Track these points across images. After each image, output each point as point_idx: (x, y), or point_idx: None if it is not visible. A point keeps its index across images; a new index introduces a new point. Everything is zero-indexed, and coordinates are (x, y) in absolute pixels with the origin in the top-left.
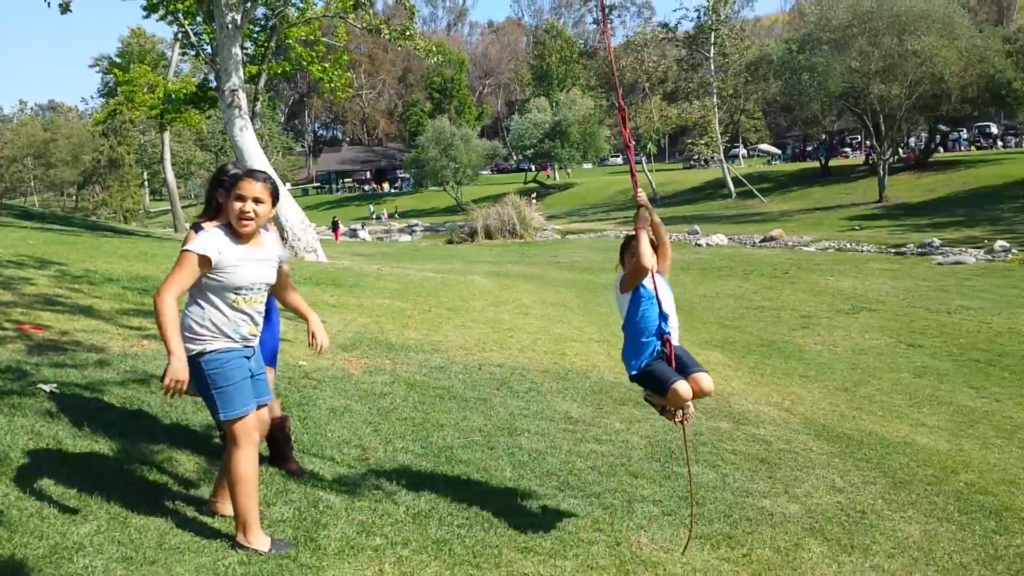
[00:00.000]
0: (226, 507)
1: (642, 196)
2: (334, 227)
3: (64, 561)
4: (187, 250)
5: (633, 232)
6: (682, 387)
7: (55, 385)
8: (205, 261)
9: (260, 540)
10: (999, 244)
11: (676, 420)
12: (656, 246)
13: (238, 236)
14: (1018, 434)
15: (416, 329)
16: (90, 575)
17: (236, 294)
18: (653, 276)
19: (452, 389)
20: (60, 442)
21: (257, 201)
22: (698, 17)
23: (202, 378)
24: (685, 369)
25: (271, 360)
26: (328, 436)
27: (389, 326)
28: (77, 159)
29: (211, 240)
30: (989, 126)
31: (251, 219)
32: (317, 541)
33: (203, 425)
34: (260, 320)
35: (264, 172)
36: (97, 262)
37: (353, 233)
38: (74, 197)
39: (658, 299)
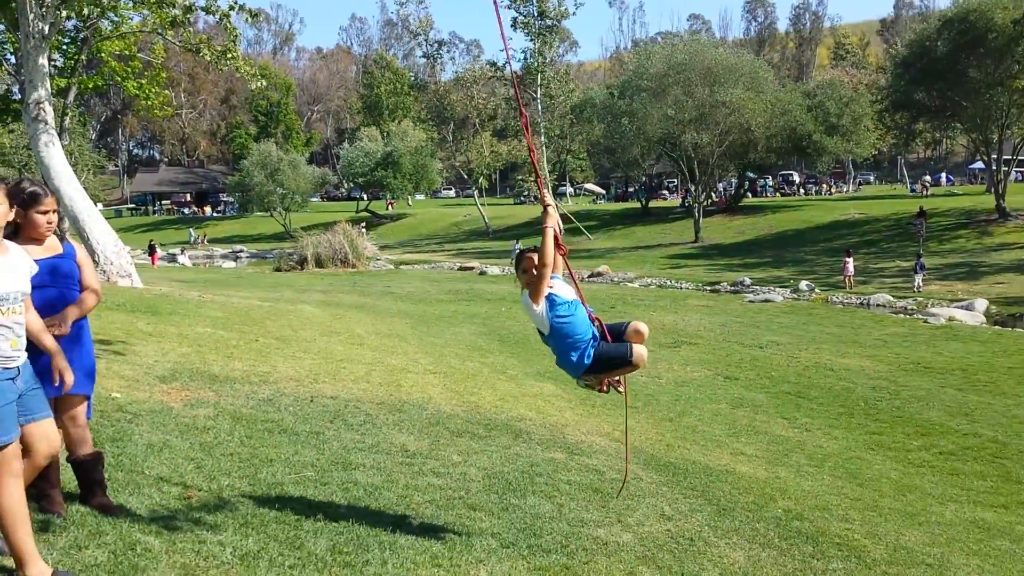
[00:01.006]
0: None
1: (548, 196)
2: (151, 251)
3: None
4: None
5: (528, 247)
6: (640, 348)
7: None
8: None
9: (40, 572)
10: (803, 284)
11: (618, 388)
12: (556, 245)
13: None
14: (828, 462)
15: (242, 360)
16: None
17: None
18: (570, 269)
19: (282, 422)
20: None
21: None
22: (525, 58)
23: None
24: (618, 331)
25: (86, 386)
26: (146, 473)
27: (212, 356)
28: None
29: None
30: (792, 174)
31: None
32: None
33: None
34: (22, 333)
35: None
36: None
37: (172, 258)
38: None
39: (580, 295)
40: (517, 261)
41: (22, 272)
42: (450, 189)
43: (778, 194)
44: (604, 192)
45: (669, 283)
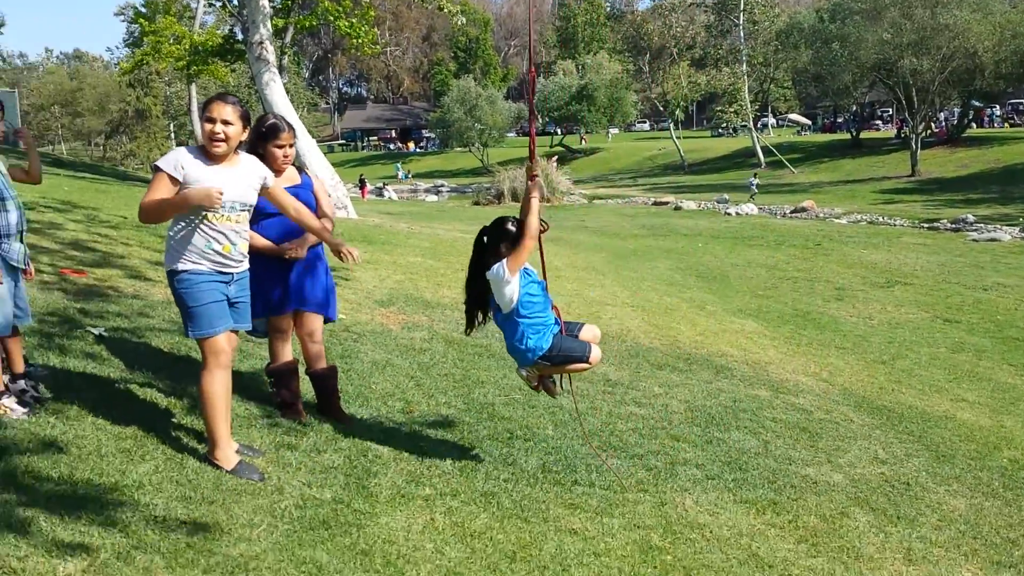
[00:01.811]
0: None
1: (537, 167)
2: (361, 185)
3: (125, 499)
4: (155, 166)
5: (511, 215)
6: (597, 350)
7: (103, 329)
8: (170, 177)
9: (227, 459)
10: None
11: (552, 391)
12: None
13: (210, 157)
14: None
15: (450, 288)
16: (151, 513)
17: (209, 211)
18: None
19: (490, 348)
20: (113, 385)
21: (225, 123)
22: None
23: (175, 295)
24: (572, 330)
25: (322, 308)
26: (372, 388)
27: (423, 283)
28: (104, 109)
29: (172, 157)
30: (1023, 103)
31: (221, 140)
32: (368, 488)
33: (252, 371)
34: (239, 241)
35: (233, 95)
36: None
37: (379, 192)
38: (102, 147)
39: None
40: (495, 229)
41: (247, 184)
42: (644, 122)
43: (1007, 124)
44: (810, 123)
45: (881, 219)
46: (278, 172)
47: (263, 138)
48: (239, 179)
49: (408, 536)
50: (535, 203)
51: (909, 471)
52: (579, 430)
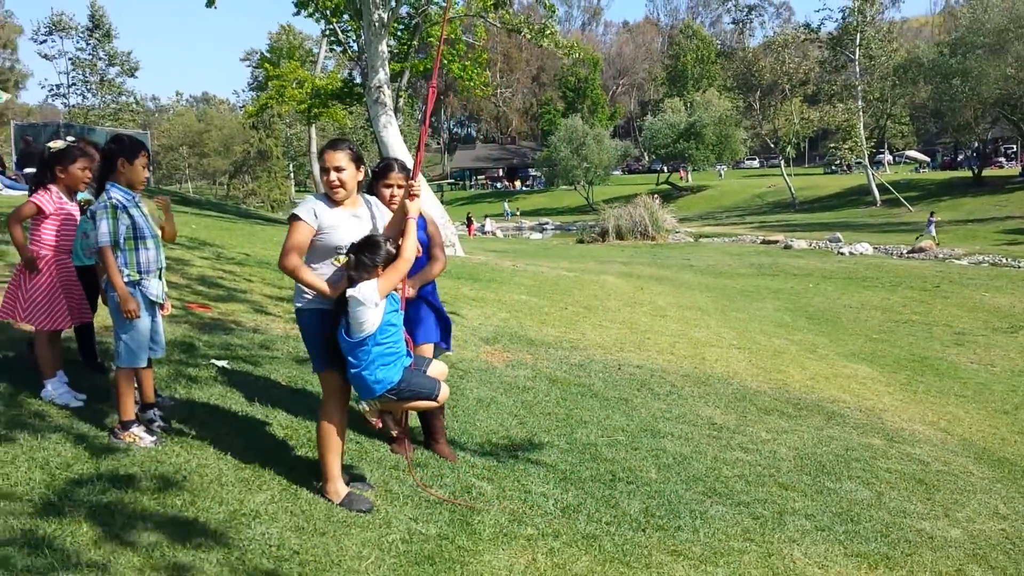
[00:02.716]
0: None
1: (418, 187)
2: (468, 222)
3: (243, 527)
4: (294, 215)
5: (375, 233)
6: (446, 388)
7: (227, 362)
8: (306, 225)
9: (336, 493)
10: None
11: (391, 429)
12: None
13: (334, 202)
14: None
15: (554, 326)
16: (266, 541)
17: (338, 252)
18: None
19: (593, 387)
20: (234, 415)
21: (339, 169)
22: (843, 17)
23: (301, 332)
24: (420, 365)
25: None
26: (477, 425)
27: (528, 321)
28: (228, 149)
29: (308, 206)
30: None
31: (339, 186)
32: (472, 526)
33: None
34: None
35: (344, 140)
36: (254, 247)
37: (481, 228)
38: (225, 185)
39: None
40: (370, 248)
41: (365, 226)
42: (753, 159)
43: None
44: (929, 159)
45: (1005, 261)
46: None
47: (375, 177)
48: (362, 220)
49: (510, 575)
50: (413, 224)
51: None
52: (682, 475)
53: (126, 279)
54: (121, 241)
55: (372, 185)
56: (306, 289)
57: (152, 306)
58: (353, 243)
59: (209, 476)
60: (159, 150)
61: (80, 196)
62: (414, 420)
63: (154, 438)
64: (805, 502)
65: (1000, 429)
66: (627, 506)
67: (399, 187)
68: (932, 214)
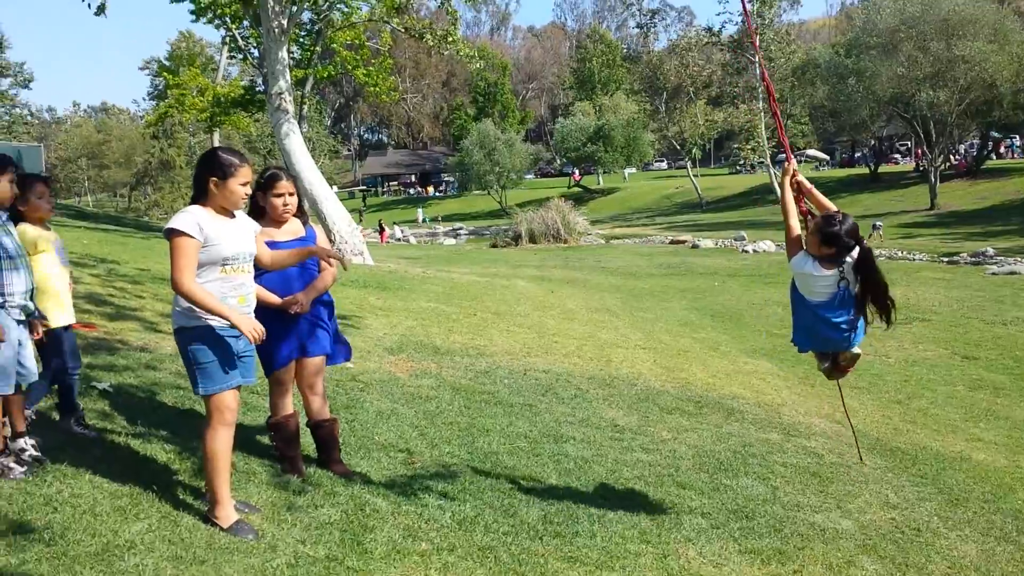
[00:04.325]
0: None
1: None
2: (380, 230)
3: (115, 559)
4: (175, 230)
5: None
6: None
7: (108, 384)
8: (194, 240)
9: (226, 517)
10: None
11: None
12: None
13: (218, 212)
14: None
15: (461, 333)
16: (140, 573)
17: (224, 265)
18: None
19: (498, 394)
20: (114, 440)
21: (291, 194)
22: (742, 21)
23: (184, 351)
24: None
25: (328, 357)
26: (375, 439)
27: (434, 329)
28: (129, 160)
29: (190, 218)
30: None
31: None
32: (364, 545)
33: (252, 424)
34: (247, 293)
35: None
36: (149, 262)
37: (398, 236)
38: (126, 198)
39: None
40: None
41: (249, 235)
42: (662, 161)
43: None
44: (828, 158)
45: (900, 254)
46: (280, 222)
47: (262, 188)
48: (244, 229)
49: None
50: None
51: (920, 516)
52: (583, 479)
53: None
54: None
55: (258, 196)
56: (190, 306)
57: (20, 329)
58: None
59: (83, 506)
60: (56, 163)
61: None
62: (307, 437)
63: (24, 468)
64: (702, 500)
65: (893, 419)
66: (526, 514)
67: (290, 195)
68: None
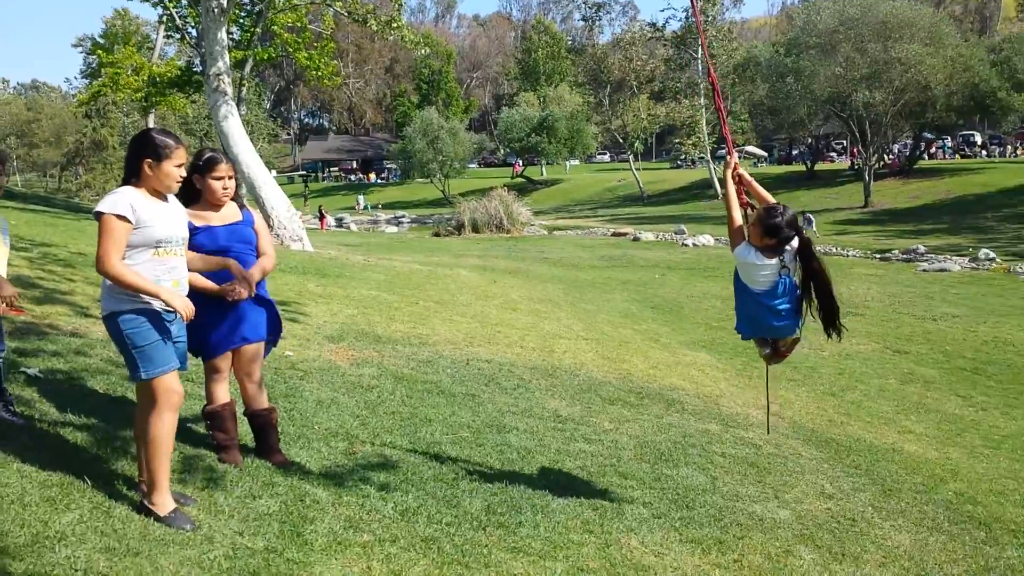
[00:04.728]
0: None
1: None
2: (320, 216)
3: (46, 551)
4: (105, 212)
5: None
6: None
7: (38, 370)
8: (125, 222)
9: (164, 505)
10: (983, 252)
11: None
12: None
13: (152, 194)
14: (1005, 444)
15: (403, 322)
16: (72, 566)
17: (156, 247)
18: None
19: (440, 384)
20: (42, 428)
21: (231, 178)
22: (686, 17)
23: (119, 337)
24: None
25: (263, 343)
26: (315, 428)
27: (376, 318)
28: (60, 140)
29: (123, 200)
30: (973, 135)
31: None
32: (304, 536)
33: (190, 415)
34: (183, 276)
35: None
36: (80, 244)
37: (339, 222)
38: (56, 178)
39: None
40: None
41: (182, 219)
42: (604, 154)
43: (958, 156)
44: (766, 155)
45: (835, 250)
46: (218, 206)
47: (200, 171)
48: (177, 212)
49: None
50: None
51: (855, 506)
52: (526, 469)
53: None
54: None
55: (195, 179)
56: (121, 290)
57: None
58: None
59: (10, 496)
60: None
61: None
62: (244, 426)
63: None
64: (643, 490)
65: (828, 411)
66: (469, 505)
67: (229, 179)
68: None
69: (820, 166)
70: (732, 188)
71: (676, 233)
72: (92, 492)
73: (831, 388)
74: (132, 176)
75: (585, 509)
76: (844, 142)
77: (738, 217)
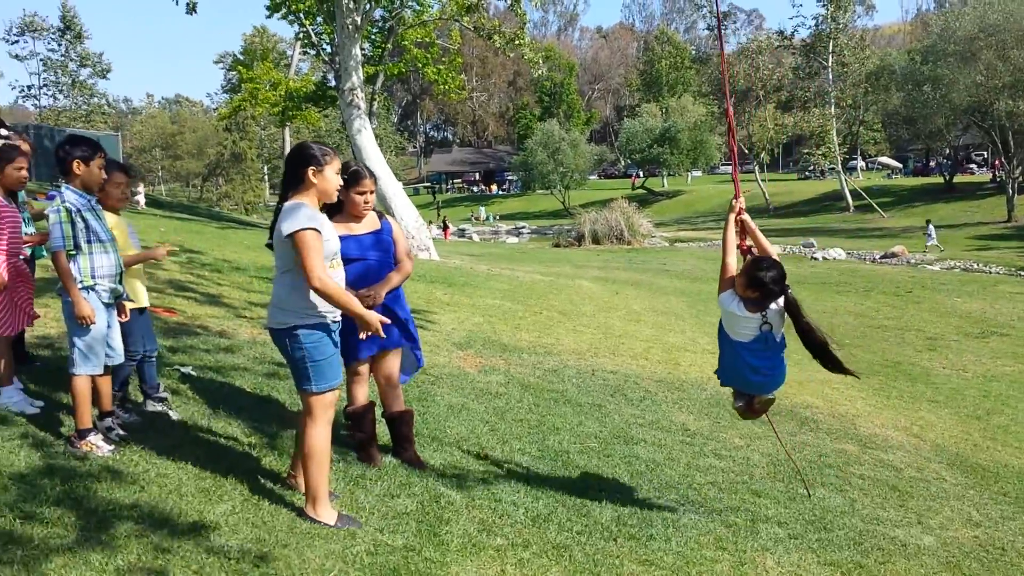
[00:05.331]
0: (301, 482)
1: None
2: (444, 226)
3: (202, 539)
4: (308, 229)
5: None
6: None
7: (191, 368)
8: (321, 236)
9: (329, 515)
10: None
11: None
12: None
13: (313, 205)
14: None
15: (528, 331)
16: (226, 554)
17: (332, 260)
18: None
19: (566, 393)
20: (196, 423)
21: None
22: (816, 25)
23: (297, 350)
24: None
25: (402, 339)
26: (447, 432)
27: (501, 326)
28: (202, 151)
29: (315, 216)
30: None
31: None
32: (440, 536)
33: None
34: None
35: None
36: (225, 251)
37: (462, 233)
38: (199, 188)
39: None
40: None
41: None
42: (728, 164)
43: None
44: (901, 166)
45: (976, 266)
46: (359, 217)
47: (345, 184)
48: (331, 228)
49: None
50: None
51: (1005, 535)
52: (655, 482)
53: (80, 284)
54: (78, 244)
55: (343, 191)
56: (314, 304)
57: (109, 311)
58: None
59: (168, 486)
60: (132, 152)
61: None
62: (382, 427)
63: (112, 447)
64: (778, 509)
65: (972, 435)
66: (599, 515)
67: (371, 193)
68: (928, 222)
69: (959, 178)
70: (732, 232)
71: (804, 246)
72: (242, 485)
73: (976, 411)
74: (292, 187)
75: (717, 525)
76: (985, 153)
77: (732, 264)
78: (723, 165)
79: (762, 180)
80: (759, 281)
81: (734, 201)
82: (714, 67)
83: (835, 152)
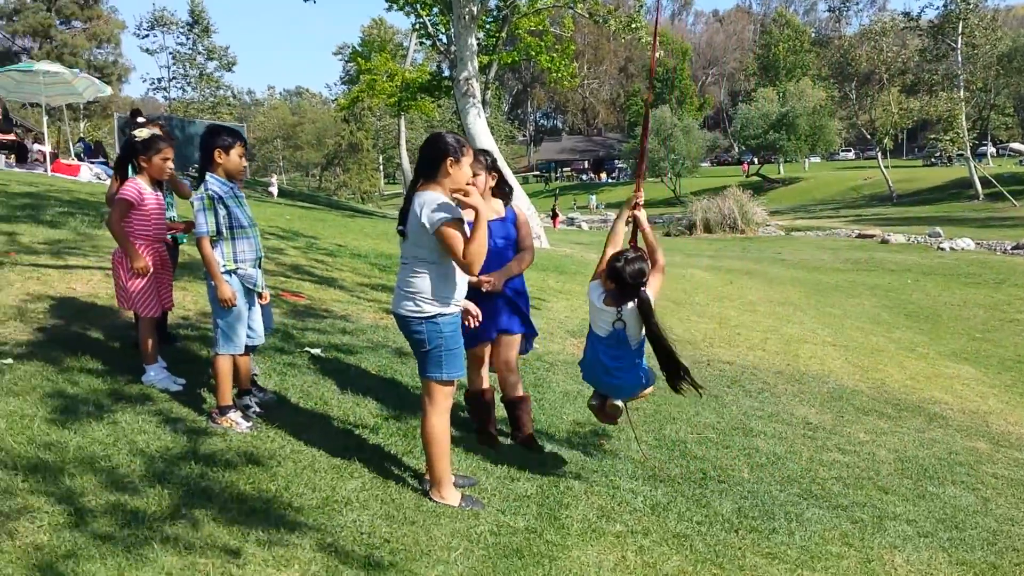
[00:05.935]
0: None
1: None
2: (553, 215)
3: (335, 513)
4: (456, 219)
5: None
6: None
7: (320, 349)
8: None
9: (452, 497)
10: None
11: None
12: None
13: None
14: None
15: None
16: (358, 528)
17: None
18: None
19: None
20: (326, 402)
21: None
22: (944, 5)
23: (435, 339)
24: None
25: (521, 327)
26: (564, 419)
27: None
28: (321, 142)
29: (454, 206)
30: None
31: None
32: (560, 520)
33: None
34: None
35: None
36: (345, 238)
37: (571, 221)
38: (317, 177)
39: None
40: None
41: None
42: (848, 151)
43: None
44: None
45: None
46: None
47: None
48: None
49: (599, 573)
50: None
51: None
52: (776, 475)
53: (223, 268)
54: (220, 231)
55: None
56: (454, 294)
57: (249, 294)
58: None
59: (303, 462)
60: (255, 143)
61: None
62: (500, 411)
63: (250, 424)
64: (906, 507)
65: None
66: (719, 506)
67: (476, 176)
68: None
69: None
70: (621, 224)
71: (930, 236)
72: (371, 464)
73: None
74: (431, 177)
75: (843, 521)
76: None
77: (610, 254)
78: (842, 151)
79: (885, 167)
80: (617, 272)
81: (635, 194)
82: (834, 49)
83: (964, 138)
